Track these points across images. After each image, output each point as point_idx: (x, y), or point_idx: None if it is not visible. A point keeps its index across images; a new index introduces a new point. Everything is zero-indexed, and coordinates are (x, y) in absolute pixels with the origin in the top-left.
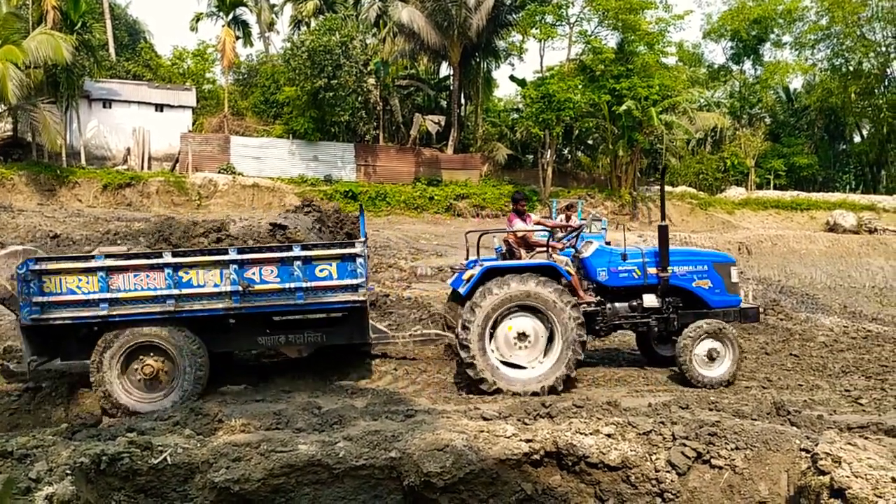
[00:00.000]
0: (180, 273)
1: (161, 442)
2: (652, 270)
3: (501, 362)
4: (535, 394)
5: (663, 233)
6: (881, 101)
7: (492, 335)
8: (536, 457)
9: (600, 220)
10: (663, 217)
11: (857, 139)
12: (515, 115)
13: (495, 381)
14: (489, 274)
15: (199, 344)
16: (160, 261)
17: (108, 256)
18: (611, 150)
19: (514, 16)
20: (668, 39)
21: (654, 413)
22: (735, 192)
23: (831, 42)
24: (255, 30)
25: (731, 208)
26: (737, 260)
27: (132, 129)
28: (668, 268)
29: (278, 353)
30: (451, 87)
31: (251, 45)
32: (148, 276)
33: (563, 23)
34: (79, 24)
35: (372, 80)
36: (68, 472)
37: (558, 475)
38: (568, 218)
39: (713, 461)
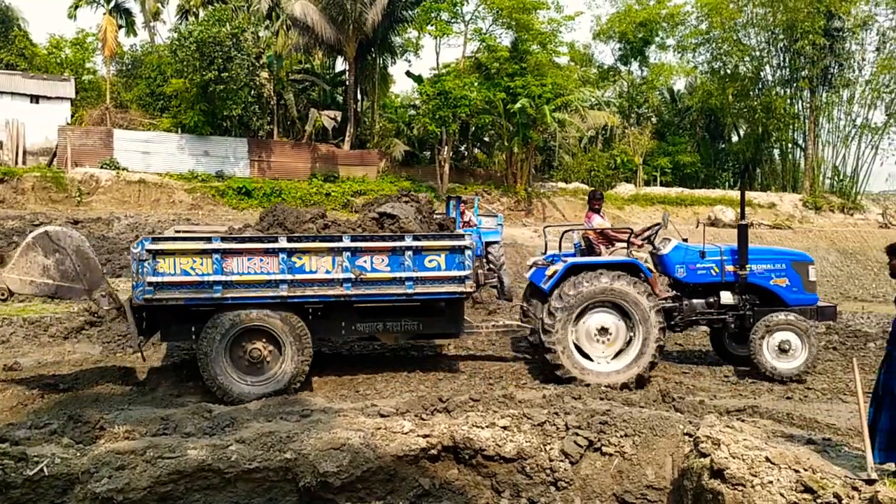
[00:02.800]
0: (293, 258)
1: (37, 452)
2: (730, 268)
3: (581, 353)
4: (608, 386)
5: (743, 231)
6: (755, 103)
7: (574, 327)
8: (434, 452)
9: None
10: (743, 216)
11: (734, 139)
12: (412, 112)
13: (571, 369)
14: (572, 270)
15: (305, 330)
16: (275, 245)
17: (223, 238)
18: (506, 147)
19: (409, 12)
20: (559, 39)
21: (548, 404)
22: (625, 189)
23: (711, 46)
24: (139, 19)
25: (621, 204)
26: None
27: (5, 121)
28: (747, 266)
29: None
30: (347, 83)
31: (135, 34)
32: (262, 260)
33: (459, 20)
34: None
35: (265, 74)
36: None
37: (456, 469)
38: (463, 213)
39: (604, 449)
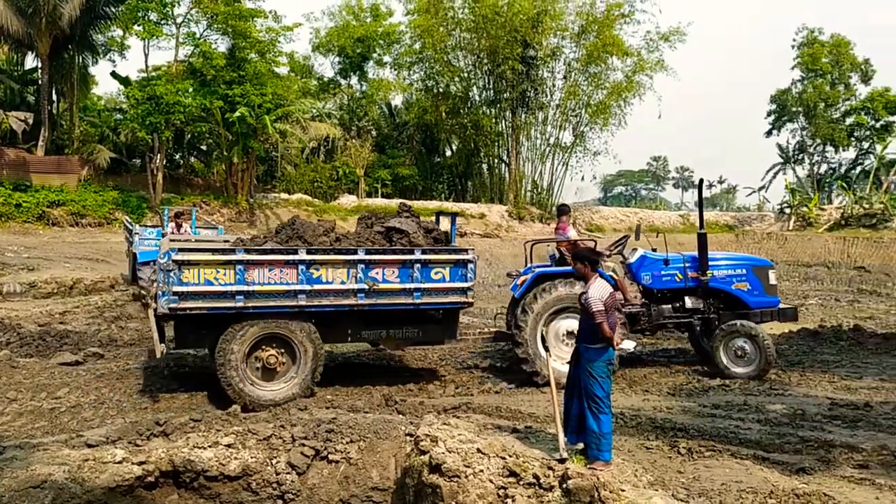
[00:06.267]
0: (311, 270)
1: None
2: (693, 274)
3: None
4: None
5: (702, 240)
6: (466, 121)
7: (545, 333)
8: (151, 479)
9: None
10: (702, 225)
11: (448, 153)
12: (119, 116)
13: (547, 374)
14: (540, 279)
15: (319, 338)
16: (295, 257)
17: (246, 250)
18: (225, 156)
19: (113, 8)
20: (279, 49)
21: (274, 418)
22: (347, 200)
23: (424, 65)
24: None
25: (344, 215)
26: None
27: None
28: (708, 272)
29: None
30: (41, 82)
31: None
32: (282, 271)
33: (170, 22)
34: None
35: None
36: None
37: (176, 494)
38: (179, 226)
39: (330, 456)
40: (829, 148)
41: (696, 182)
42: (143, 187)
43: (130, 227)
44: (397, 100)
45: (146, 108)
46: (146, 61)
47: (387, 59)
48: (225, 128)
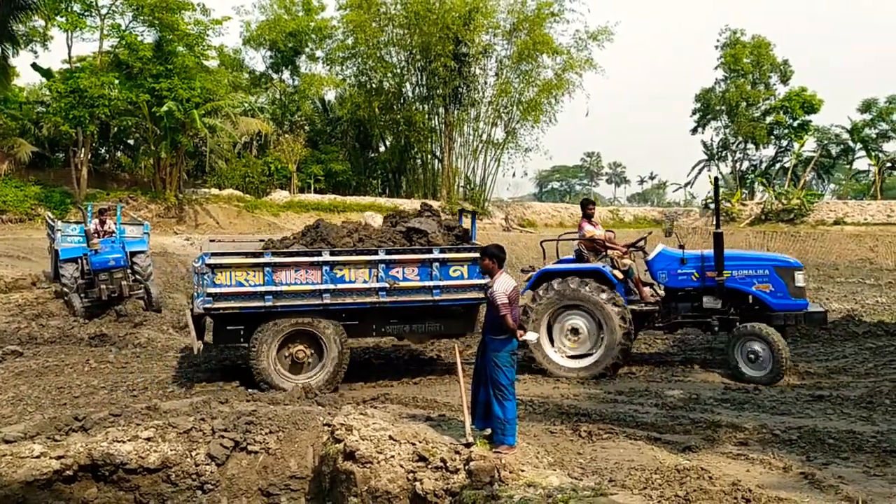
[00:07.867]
0: (335, 270)
1: None
2: (710, 274)
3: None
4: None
5: (718, 239)
6: (399, 117)
7: (549, 327)
8: (69, 473)
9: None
10: (718, 224)
11: (382, 149)
12: (41, 109)
13: (542, 362)
14: (545, 276)
15: (344, 334)
16: (319, 259)
17: (274, 253)
18: (153, 151)
19: None
20: (208, 43)
21: (194, 411)
22: (280, 196)
23: (357, 61)
24: None
25: (276, 210)
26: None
27: None
28: (725, 272)
29: None
30: None
31: None
32: (307, 271)
33: (94, 14)
34: None
35: None
36: None
37: (95, 487)
38: (103, 223)
39: (250, 447)
40: (750, 145)
41: (712, 182)
42: (66, 182)
43: (53, 224)
44: (330, 95)
45: (70, 101)
46: (69, 53)
47: (319, 53)
48: (152, 122)
